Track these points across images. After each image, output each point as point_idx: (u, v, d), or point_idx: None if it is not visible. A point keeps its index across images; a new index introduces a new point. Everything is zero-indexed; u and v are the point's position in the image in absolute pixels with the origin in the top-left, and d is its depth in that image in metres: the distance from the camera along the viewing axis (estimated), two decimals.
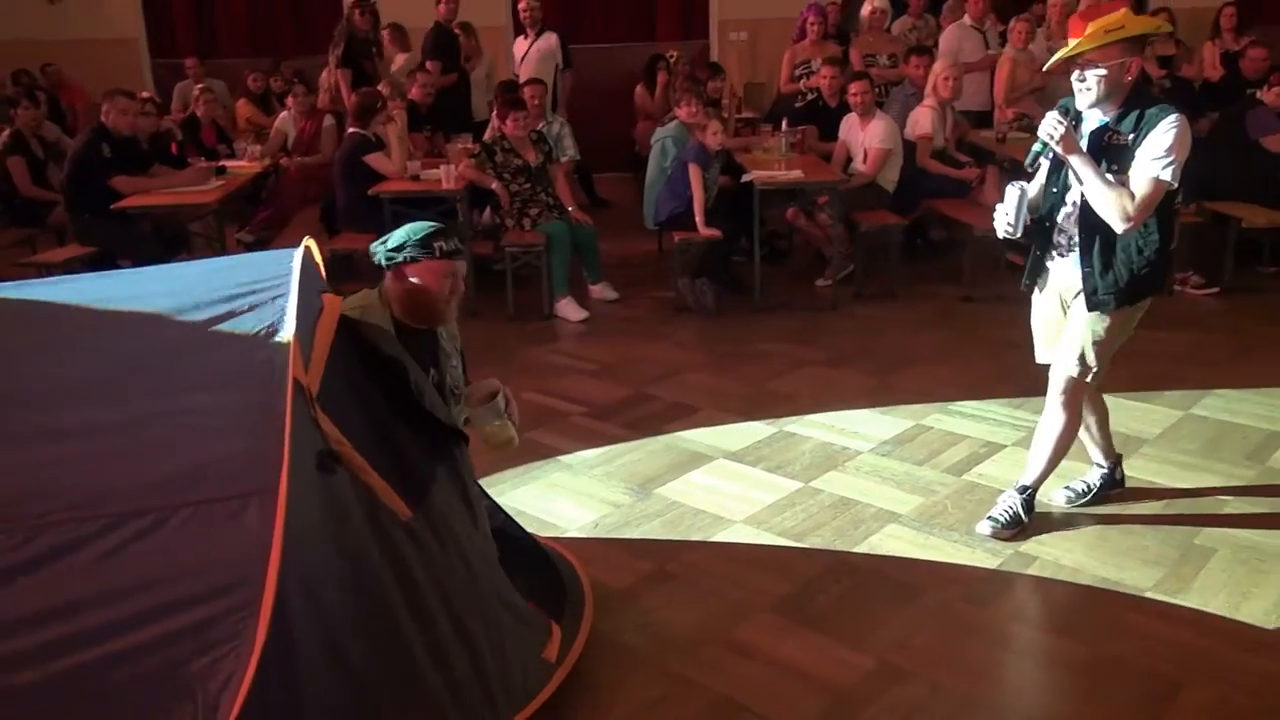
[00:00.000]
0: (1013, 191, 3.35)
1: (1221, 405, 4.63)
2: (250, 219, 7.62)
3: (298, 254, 2.48)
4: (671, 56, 8.77)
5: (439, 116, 7.75)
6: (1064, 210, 3.41)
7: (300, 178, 7.48)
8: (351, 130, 6.59)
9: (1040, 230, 3.49)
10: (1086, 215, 3.30)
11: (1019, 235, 3.40)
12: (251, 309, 2.34)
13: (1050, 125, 3.25)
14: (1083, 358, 3.45)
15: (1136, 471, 4.05)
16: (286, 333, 2.25)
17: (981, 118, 7.66)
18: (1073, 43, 3.23)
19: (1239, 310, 6.03)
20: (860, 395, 4.92)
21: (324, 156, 7.44)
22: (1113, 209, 3.21)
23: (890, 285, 6.51)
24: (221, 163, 7.14)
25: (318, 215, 7.29)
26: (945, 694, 2.83)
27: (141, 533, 2.00)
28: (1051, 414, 3.58)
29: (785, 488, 4.02)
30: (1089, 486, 3.82)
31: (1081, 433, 3.76)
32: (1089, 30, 3.18)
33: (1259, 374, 4.95)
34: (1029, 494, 3.65)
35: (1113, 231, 3.26)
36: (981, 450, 4.30)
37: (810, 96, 7.59)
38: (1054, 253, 3.49)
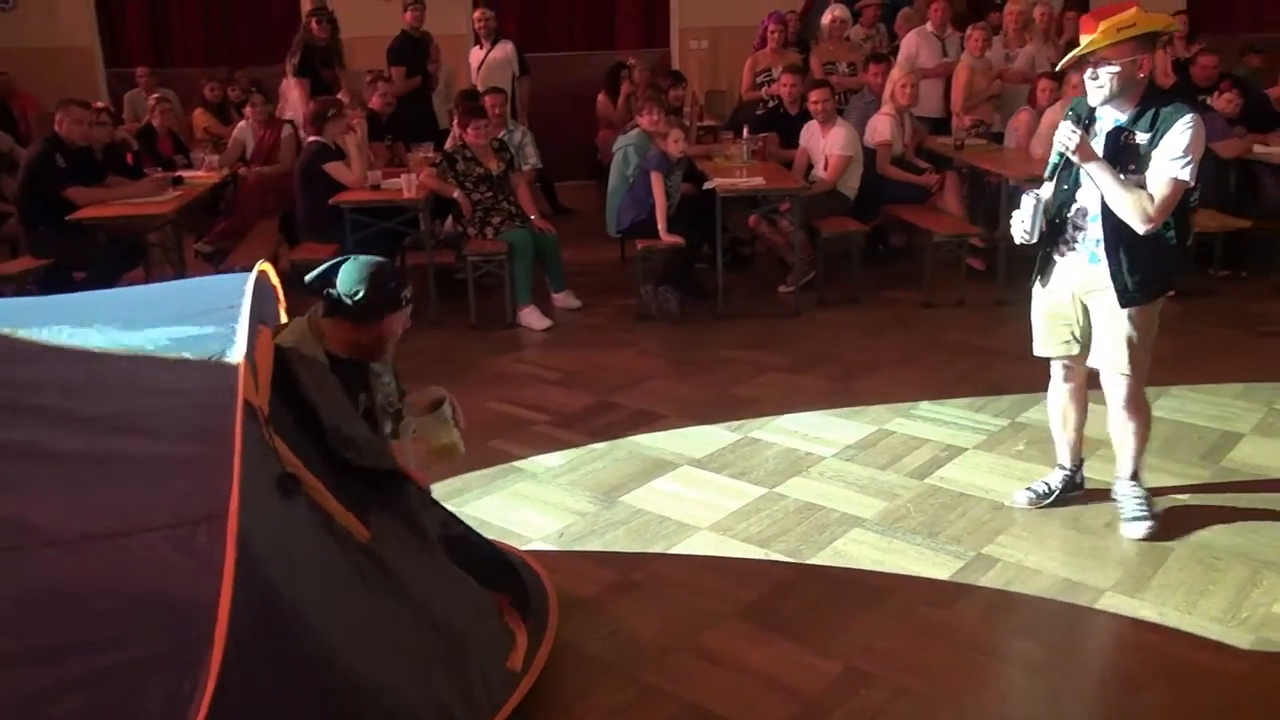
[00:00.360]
0: (1028, 200, 3.41)
1: (1177, 406, 4.70)
2: (208, 230, 7.53)
3: (250, 278, 2.47)
4: (632, 65, 8.80)
5: (400, 125, 7.72)
6: (1074, 206, 3.46)
7: (259, 187, 7.41)
8: (311, 139, 6.54)
9: (1050, 227, 3.51)
10: (1109, 215, 3.33)
11: (1035, 240, 3.47)
12: (202, 333, 2.32)
13: (1065, 135, 3.29)
14: (1130, 355, 3.47)
15: (1095, 473, 4.09)
16: (236, 356, 2.23)
17: (938, 124, 7.74)
18: (1085, 40, 3.26)
19: (1192, 312, 6.13)
20: (823, 400, 4.95)
21: (283, 166, 7.38)
22: (1133, 212, 3.26)
23: (852, 291, 6.56)
24: (178, 173, 7.05)
25: (277, 225, 7.22)
26: (910, 697, 2.85)
27: (91, 561, 1.96)
28: (1120, 417, 3.60)
29: (749, 494, 4.03)
30: (1050, 489, 3.86)
31: (1055, 430, 3.84)
32: (1101, 28, 3.22)
33: (1212, 375, 5.03)
34: (1139, 479, 3.69)
35: (1129, 229, 3.30)
36: (943, 454, 4.33)
37: (771, 104, 7.64)
38: (1063, 248, 3.53)
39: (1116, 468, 3.71)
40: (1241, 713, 2.79)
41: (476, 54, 8.73)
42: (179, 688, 1.86)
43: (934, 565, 3.50)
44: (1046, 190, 3.50)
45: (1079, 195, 3.45)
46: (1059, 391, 3.80)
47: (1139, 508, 3.64)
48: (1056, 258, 3.56)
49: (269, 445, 2.22)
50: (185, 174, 7.07)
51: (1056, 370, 3.78)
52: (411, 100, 8.12)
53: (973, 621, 3.20)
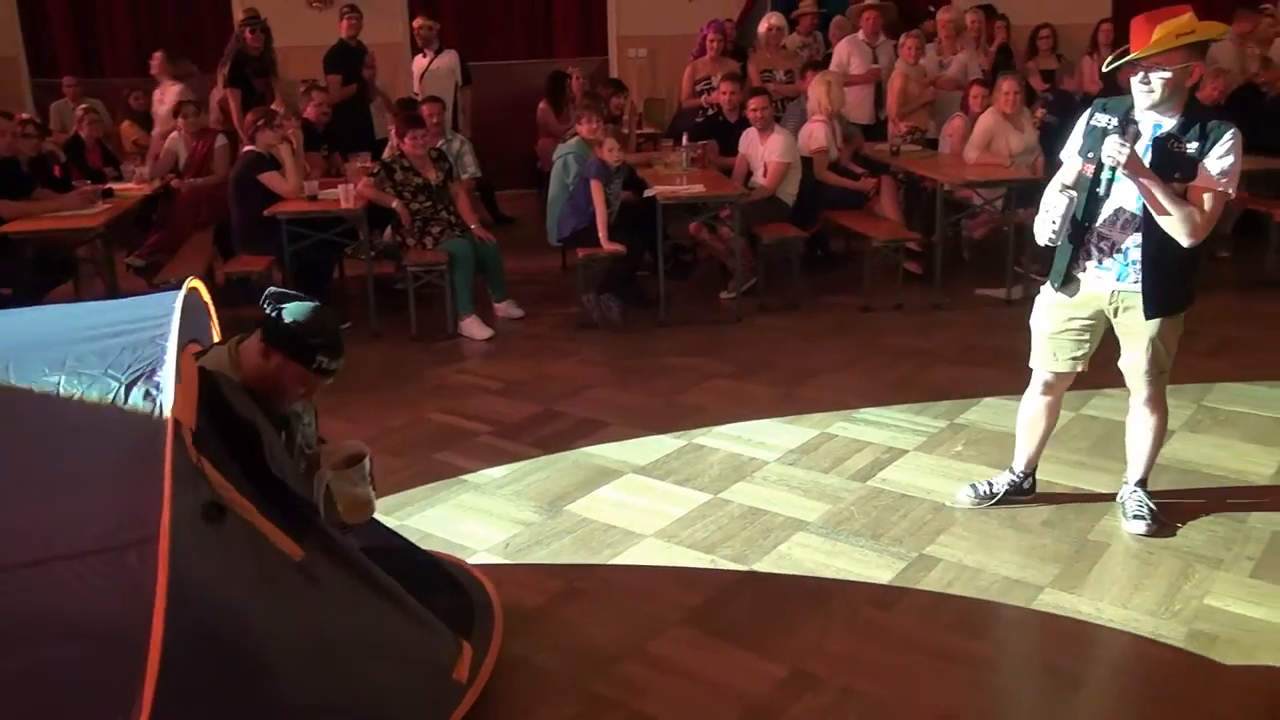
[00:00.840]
0: (1061, 199, 3.32)
1: (1110, 405, 4.79)
2: (140, 243, 7.38)
3: (179, 295, 2.43)
4: (572, 74, 8.80)
5: (336, 135, 7.64)
6: (1102, 217, 3.39)
7: (192, 199, 7.28)
8: (246, 149, 6.45)
9: (1077, 235, 3.42)
10: (1150, 227, 3.27)
11: (1058, 243, 3.41)
12: (129, 351, 2.26)
13: (1114, 149, 3.19)
14: (1159, 362, 3.47)
15: (1040, 474, 4.17)
16: (166, 377, 2.19)
17: (867, 131, 7.85)
18: (1137, 44, 3.19)
19: None
20: (766, 406, 4.98)
21: (217, 177, 7.26)
22: (1182, 225, 3.21)
23: (792, 297, 6.61)
24: (108, 185, 6.90)
25: (211, 237, 7.10)
26: (857, 699, 2.87)
27: (20, 587, 1.91)
28: (1141, 414, 3.61)
29: (695, 500, 4.04)
30: (992, 490, 3.89)
31: (1021, 434, 3.84)
32: (1157, 34, 3.14)
33: None
34: (1146, 484, 3.72)
35: (1169, 241, 3.25)
36: (884, 456, 4.38)
37: (710, 112, 7.69)
38: (1085, 261, 3.45)
39: (1128, 472, 3.74)
40: (1175, 702, 2.85)
41: (419, 62, 8.68)
42: (111, 717, 1.82)
43: (877, 567, 3.53)
44: (1070, 187, 3.39)
45: (1108, 206, 3.37)
46: (1037, 401, 3.77)
47: (1139, 508, 3.68)
48: (1079, 272, 3.47)
49: (197, 466, 2.18)
50: (115, 186, 6.91)
51: (1042, 380, 3.73)
52: (348, 110, 8.05)
53: (916, 621, 3.24)
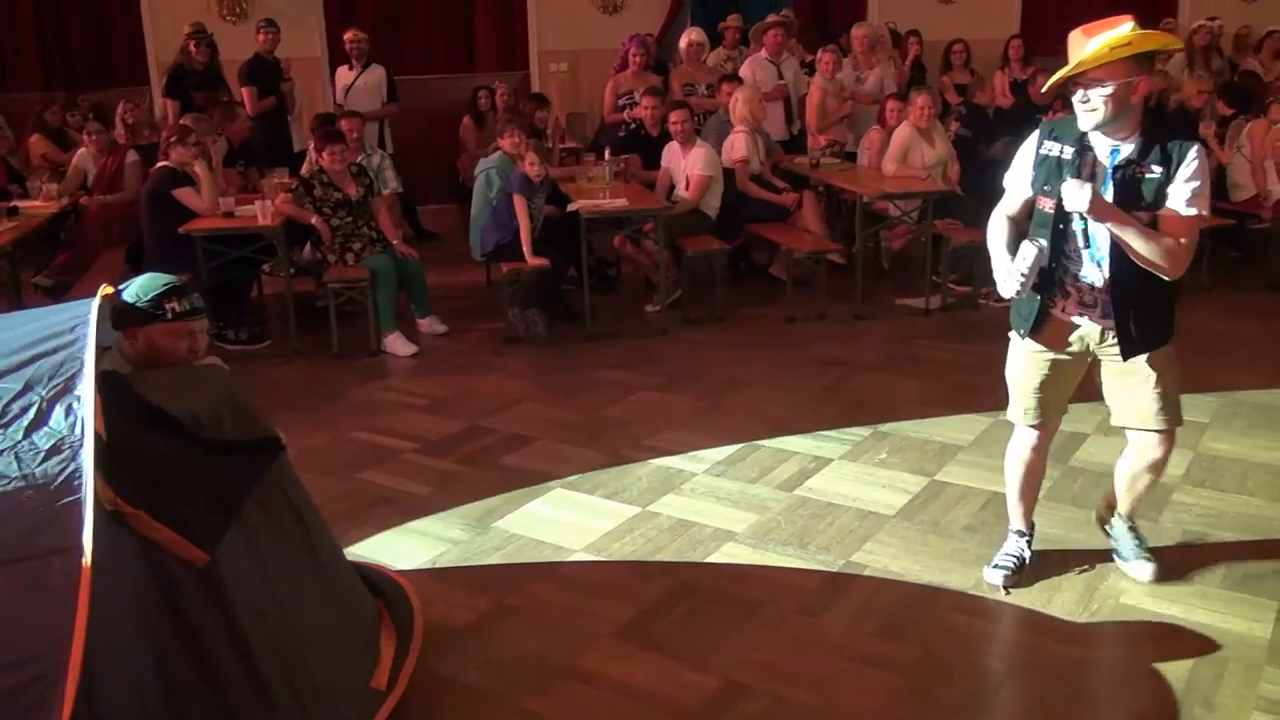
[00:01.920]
0: (1031, 249, 3.02)
1: None
2: (48, 262, 7.15)
3: (93, 304, 2.38)
4: (495, 88, 8.77)
5: (253, 150, 7.50)
6: (1070, 255, 3.11)
7: (102, 217, 7.08)
8: (159, 165, 6.29)
9: (1045, 275, 3.12)
10: (1120, 264, 3.01)
11: (1027, 295, 3.10)
12: (44, 361, 2.22)
13: (1075, 195, 2.90)
14: (1167, 405, 3.19)
15: (954, 478, 4.26)
16: (85, 388, 2.15)
17: (783, 145, 7.94)
18: (1075, 59, 2.92)
19: None
20: (692, 418, 5.00)
21: (128, 194, 7.07)
22: (1162, 260, 2.94)
23: (717, 309, 6.66)
24: (13, 203, 6.68)
25: (123, 256, 6.91)
26: (787, 706, 2.89)
27: None
28: (1142, 465, 3.33)
29: (624, 513, 4.04)
30: (1020, 560, 3.50)
31: (1014, 492, 3.50)
32: (1092, 45, 2.89)
33: None
34: (1135, 518, 3.52)
35: (1148, 276, 2.99)
36: (810, 465, 4.43)
37: (633, 126, 7.72)
38: (1069, 300, 3.15)
39: (1120, 505, 3.49)
40: (1093, 699, 2.92)
41: (345, 74, 8.58)
42: None
43: (805, 574, 3.57)
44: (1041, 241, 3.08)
45: (1075, 242, 3.09)
46: (1026, 453, 3.40)
47: (1138, 548, 3.46)
48: (1056, 312, 3.18)
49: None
50: (21, 204, 6.70)
51: (1030, 429, 3.37)
52: (265, 124, 7.92)
53: (844, 628, 3.28)
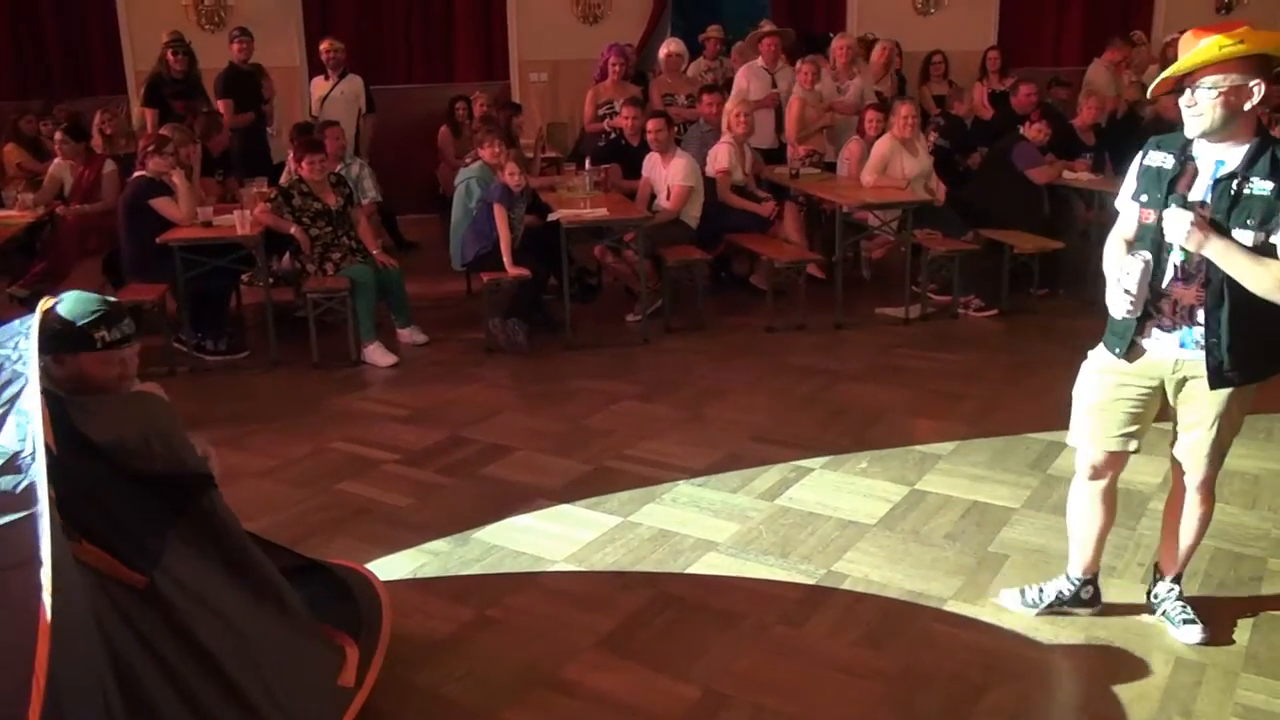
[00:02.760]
0: (1136, 263, 2.82)
1: (1007, 420, 4.95)
2: (24, 273, 7.08)
3: (34, 319, 2.38)
4: (474, 98, 8.77)
5: (231, 160, 7.47)
6: (1167, 276, 2.89)
7: (79, 227, 7.02)
8: (136, 175, 6.25)
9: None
10: (1213, 279, 2.79)
11: (1138, 313, 2.89)
12: None
13: (1177, 228, 2.73)
14: (1221, 447, 3.00)
15: (934, 487, 4.27)
16: (32, 401, 2.16)
17: (769, 155, 7.98)
18: (1184, 59, 2.73)
19: (1016, 330, 6.49)
20: (674, 427, 5.00)
21: (106, 203, 7.02)
22: (1269, 285, 2.71)
23: (698, 319, 6.67)
24: None
25: (100, 266, 6.86)
26: (768, 716, 2.89)
27: None
28: (1191, 507, 3.14)
29: (605, 524, 4.03)
30: (1040, 598, 3.35)
31: (1077, 533, 3.28)
32: (1202, 44, 2.69)
33: (1037, 388, 5.32)
34: (1180, 580, 3.28)
35: (1244, 297, 2.76)
36: (791, 475, 4.43)
37: (613, 136, 7.73)
38: (1151, 321, 2.93)
39: (1162, 565, 3.30)
40: (1072, 705, 2.94)
41: (321, 84, 8.55)
42: None
43: (786, 584, 3.57)
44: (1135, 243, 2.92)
45: (1173, 260, 2.87)
46: (1086, 489, 3.22)
47: (1184, 610, 3.22)
48: (1140, 338, 2.96)
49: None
50: None
51: (1089, 462, 3.19)
52: (244, 134, 7.89)
53: (825, 637, 3.28)
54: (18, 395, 2.18)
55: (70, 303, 2.64)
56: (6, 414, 2.16)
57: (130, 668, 2.20)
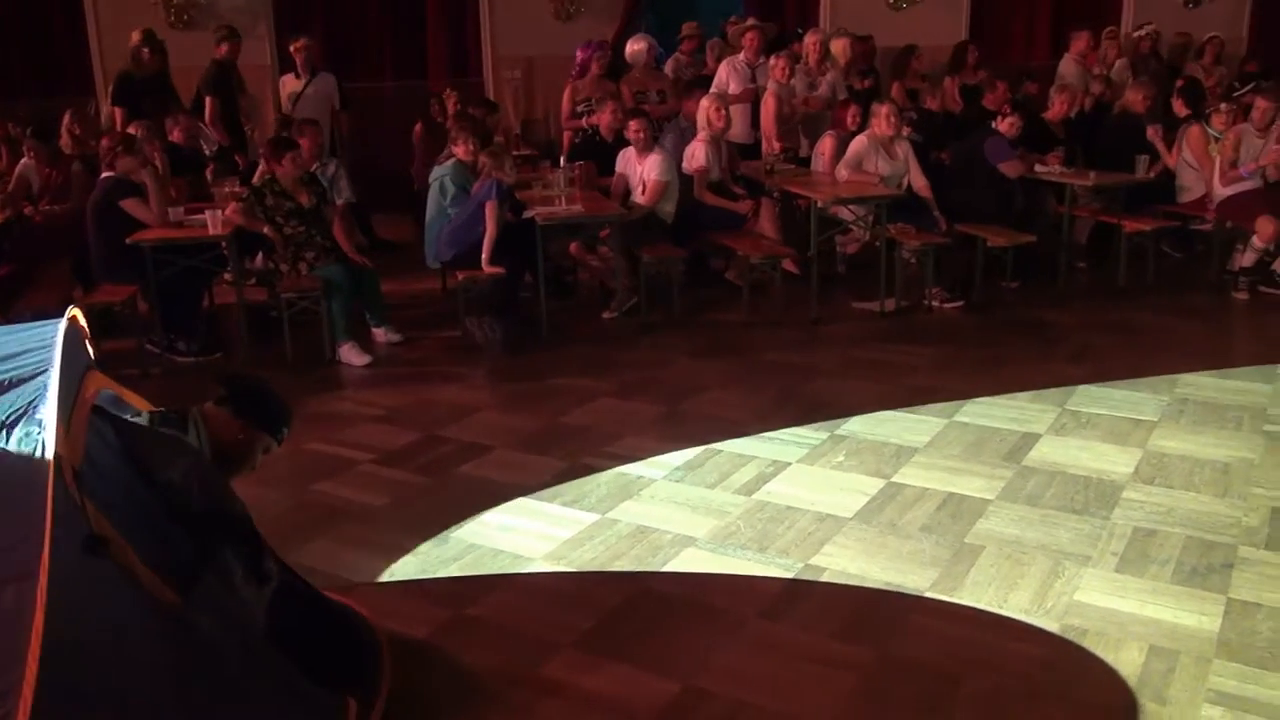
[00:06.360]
0: None
1: (980, 411, 4.98)
2: None
3: (60, 326, 2.37)
4: (448, 96, 8.73)
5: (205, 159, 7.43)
6: None
7: (47, 229, 6.94)
8: (105, 175, 6.18)
9: None
10: None
11: None
12: (11, 385, 2.19)
13: None
14: None
15: (910, 479, 4.30)
16: (49, 411, 2.13)
17: (745, 150, 8.00)
18: None
19: (987, 323, 6.54)
20: (651, 424, 5.00)
21: (75, 205, 6.94)
22: None
23: (674, 315, 6.67)
24: None
25: (69, 269, 6.78)
26: (748, 710, 2.90)
27: None
28: None
29: (583, 521, 4.03)
30: None
31: None
32: None
33: (1009, 380, 5.36)
34: None
35: None
36: (769, 470, 4.45)
37: (588, 132, 7.73)
38: None
39: None
40: (1049, 694, 2.96)
41: (292, 82, 8.49)
42: None
43: (764, 578, 3.58)
44: None
45: None
46: None
47: None
48: None
49: (78, 503, 2.12)
50: None
51: None
52: (230, 131, 7.88)
53: (804, 631, 3.29)
54: (34, 403, 2.17)
55: (268, 393, 3.04)
56: (22, 419, 2.14)
57: (123, 693, 2.17)
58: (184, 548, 2.49)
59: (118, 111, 7.54)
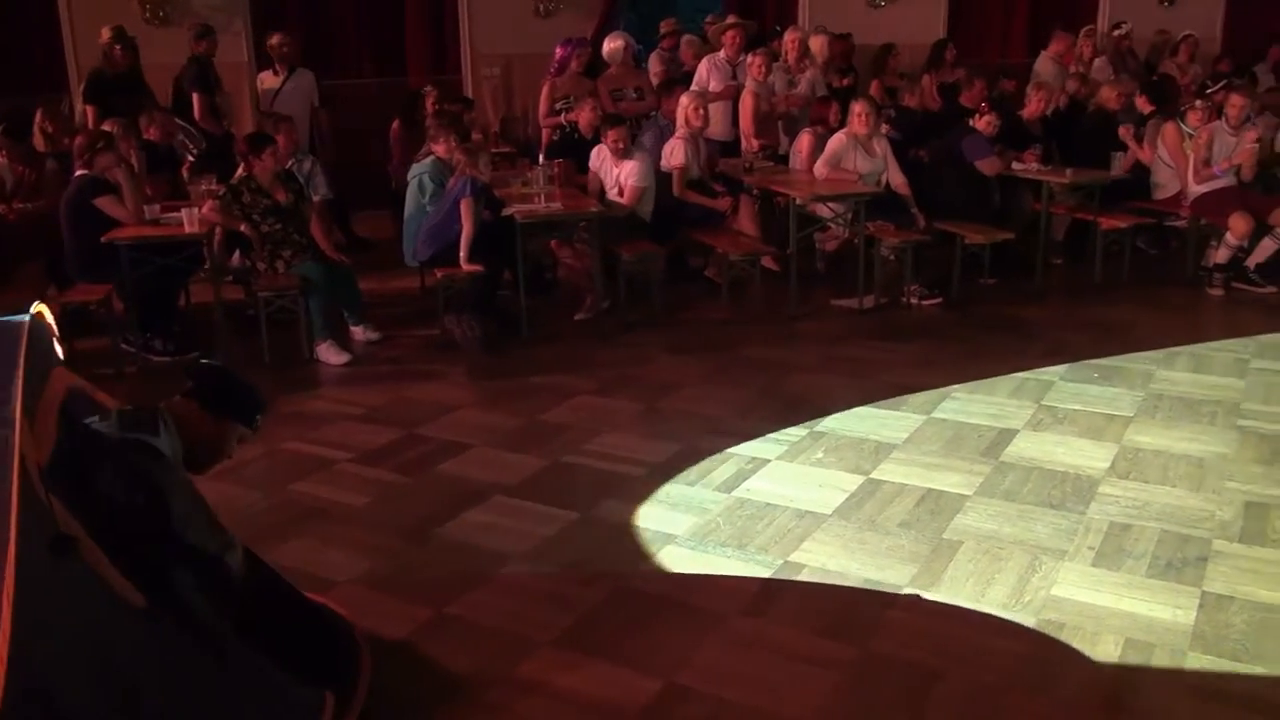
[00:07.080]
0: None
1: (958, 407, 5.01)
2: None
3: (24, 320, 2.34)
4: (427, 93, 8.69)
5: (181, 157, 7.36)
6: None
7: (20, 227, 6.87)
8: (79, 173, 6.12)
9: None
10: None
11: None
12: None
13: None
14: None
15: (889, 476, 4.32)
16: (12, 409, 2.09)
17: (725, 147, 8.00)
18: None
19: (965, 319, 6.57)
20: (631, 421, 5.00)
21: (48, 203, 6.87)
22: None
23: (653, 312, 6.67)
24: None
25: (43, 268, 6.72)
26: (729, 708, 2.91)
27: None
28: None
29: (563, 519, 4.03)
30: None
31: None
32: None
33: (988, 376, 5.39)
34: None
35: None
36: (748, 467, 4.46)
37: (567, 129, 7.71)
38: None
39: None
40: (1027, 688, 2.98)
41: (270, 79, 8.44)
42: None
43: (744, 576, 3.59)
44: None
45: None
46: None
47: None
48: None
49: (44, 503, 2.08)
50: None
51: None
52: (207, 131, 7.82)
53: (784, 628, 3.30)
54: None
55: (237, 382, 2.94)
56: None
57: (95, 696, 2.15)
58: (142, 550, 2.44)
59: (89, 109, 7.46)
